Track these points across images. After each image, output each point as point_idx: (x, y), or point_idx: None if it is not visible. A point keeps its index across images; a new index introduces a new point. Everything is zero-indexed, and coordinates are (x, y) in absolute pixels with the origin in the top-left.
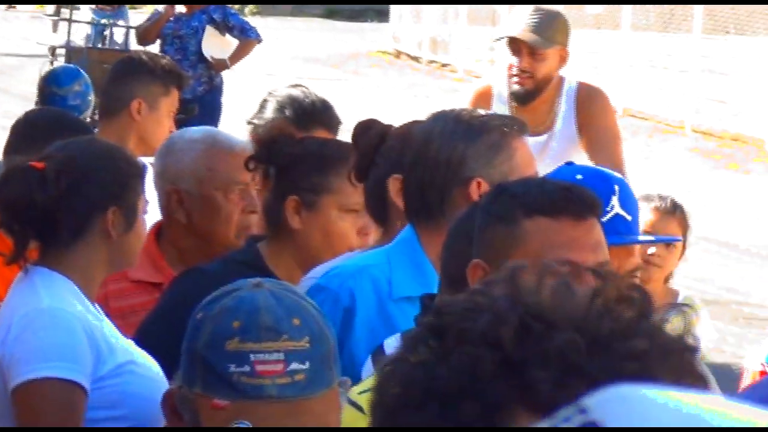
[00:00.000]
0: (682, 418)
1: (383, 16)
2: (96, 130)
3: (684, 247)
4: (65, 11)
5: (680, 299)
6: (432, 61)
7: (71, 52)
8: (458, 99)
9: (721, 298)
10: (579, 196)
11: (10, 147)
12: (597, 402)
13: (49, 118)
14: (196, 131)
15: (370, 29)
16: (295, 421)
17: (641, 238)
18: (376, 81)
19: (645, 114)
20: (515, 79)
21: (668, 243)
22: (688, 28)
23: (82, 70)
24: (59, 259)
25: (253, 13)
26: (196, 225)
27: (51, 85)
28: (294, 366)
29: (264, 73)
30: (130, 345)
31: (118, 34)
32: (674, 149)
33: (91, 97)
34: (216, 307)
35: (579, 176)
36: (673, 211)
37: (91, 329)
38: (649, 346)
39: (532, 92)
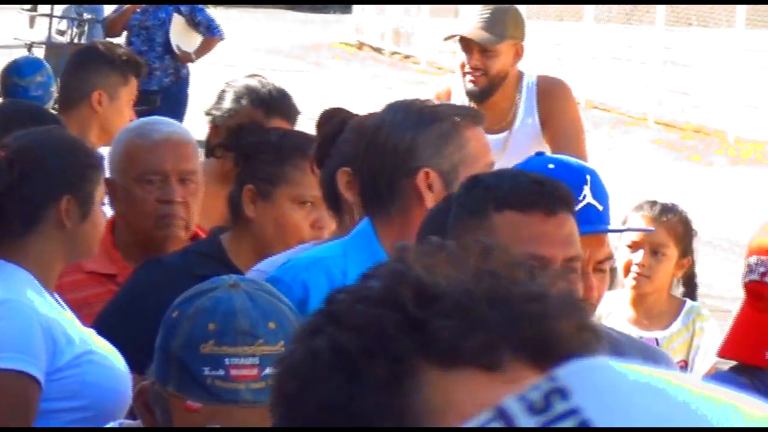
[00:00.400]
0: (646, 388)
1: (346, 8)
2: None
3: (681, 255)
4: (42, 7)
5: (686, 309)
6: (395, 53)
7: (51, 48)
8: (421, 90)
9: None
10: (551, 190)
11: None
12: (566, 371)
13: (21, 111)
14: (135, 122)
15: (332, 20)
16: (269, 425)
17: (611, 227)
18: (339, 72)
19: (607, 106)
20: (468, 77)
21: (655, 252)
22: (651, 20)
23: (44, 61)
24: (14, 250)
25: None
26: (122, 215)
27: (12, 76)
28: (269, 371)
29: (225, 65)
30: (89, 335)
31: (97, 30)
32: (637, 141)
33: (54, 88)
34: (192, 307)
35: (551, 165)
36: (659, 216)
37: (47, 320)
38: (545, 290)
39: (487, 90)
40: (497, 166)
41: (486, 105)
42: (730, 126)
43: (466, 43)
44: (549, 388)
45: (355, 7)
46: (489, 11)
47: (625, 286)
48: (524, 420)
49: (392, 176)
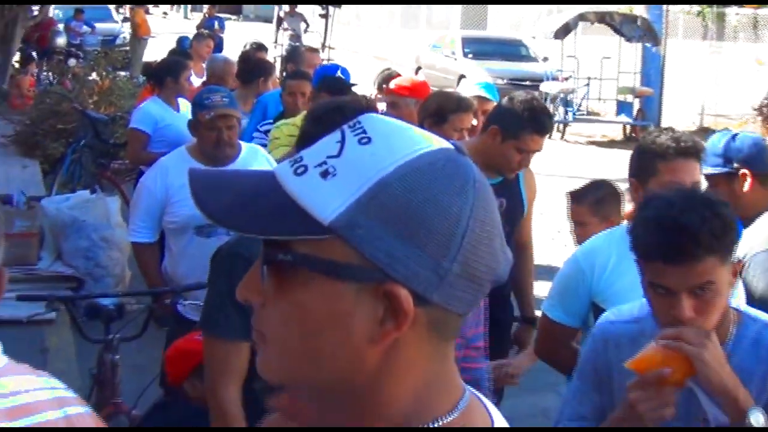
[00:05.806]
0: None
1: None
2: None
3: None
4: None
5: None
6: None
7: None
8: None
9: None
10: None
11: None
12: (359, 116)
13: (182, 53)
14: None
15: None
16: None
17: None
18: None
19: None
20: None
21: None
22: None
23: (187, 40)
24: (162, 91)
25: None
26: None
27: (180, 43)
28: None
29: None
30: (178, 123)
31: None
32: None
33: None
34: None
35: (339, 73)
36: None
37: (154, 111)
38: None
39: None
40: None
41: None
42: None
43: None
44: (356, 120)
45: None
46: None
47: None
48: (348, 130)
49: None
